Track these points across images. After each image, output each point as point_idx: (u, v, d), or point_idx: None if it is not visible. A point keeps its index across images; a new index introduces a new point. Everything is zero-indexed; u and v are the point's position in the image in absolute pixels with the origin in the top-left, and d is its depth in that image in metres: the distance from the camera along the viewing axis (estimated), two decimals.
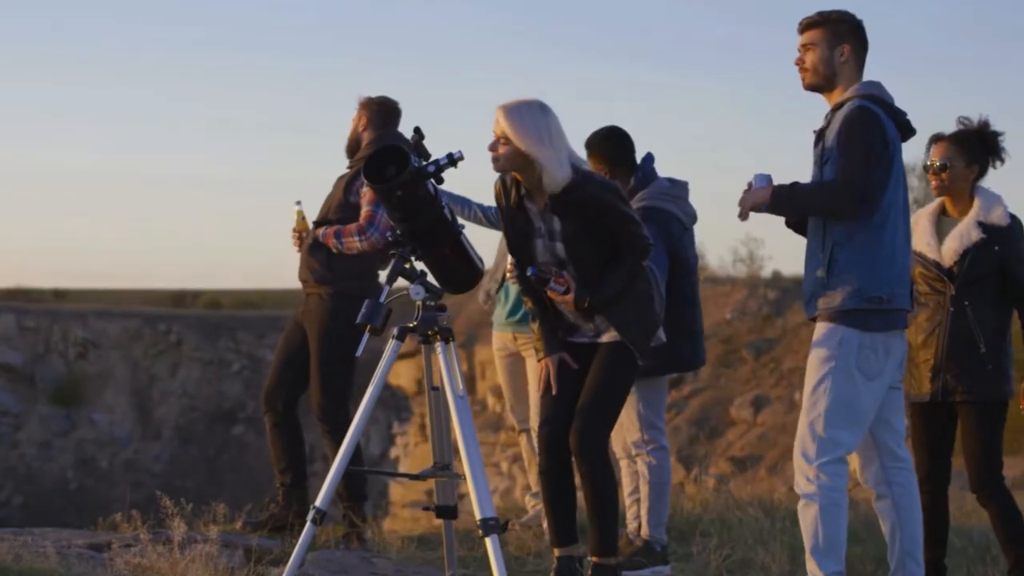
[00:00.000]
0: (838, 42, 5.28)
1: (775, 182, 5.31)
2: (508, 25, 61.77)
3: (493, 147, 5.42)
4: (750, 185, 5.33)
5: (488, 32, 61.28)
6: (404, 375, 27.69)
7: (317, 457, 22.05)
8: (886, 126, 5.18)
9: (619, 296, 5.49)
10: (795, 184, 5.24)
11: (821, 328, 5.22)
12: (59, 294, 37.84)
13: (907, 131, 5.32)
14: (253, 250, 66.02)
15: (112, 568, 5.32)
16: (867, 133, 5.13)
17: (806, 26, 5.35)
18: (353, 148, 7.21)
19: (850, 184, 5.10)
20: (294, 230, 7.18)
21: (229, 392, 32.33)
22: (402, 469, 25.32)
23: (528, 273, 5.55)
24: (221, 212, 63.14)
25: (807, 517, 5.20)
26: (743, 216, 5.33)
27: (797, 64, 5.37)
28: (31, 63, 57.53)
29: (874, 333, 5.17)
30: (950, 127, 6.18)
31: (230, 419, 32.10)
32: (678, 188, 6.65)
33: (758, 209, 5.29)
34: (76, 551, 5.52)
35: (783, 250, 51.19)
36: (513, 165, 5.45)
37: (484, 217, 7.08)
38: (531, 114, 5.41)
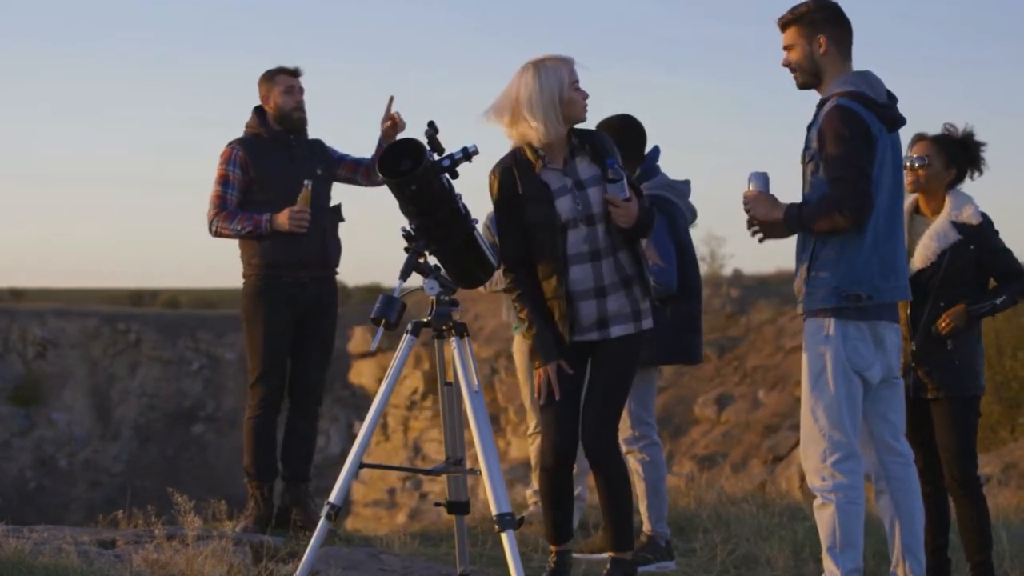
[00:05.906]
0: (814, 35, 5.19)
1: (771, 180, 5.30)
2: (509, 24, 61.47)
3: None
4: (749, 184, 5.29)
5: (488, 31, 61.00)
6: (366, 374, 27.57)
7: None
8: (868, 122, 5.09)
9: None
10: (802, 207, 5.15)
11: (808, 325, 5.22)
12: (16, 293, 37.43)
13: (893, 123, 5.22)
14: (211, 248, 65.63)
15: (130, 564, 5.27)
16: (848, 136, 5.04)
17: (782, 26, 5.27)
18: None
19: (844, 204, 5.03)
20: (303, 209, 6.92)
21: (189, 391, 32.09)
22: None
23: (608, 165, 5.46)
24: (179, 210, 62.65)
25: (824, 516, 5.17)
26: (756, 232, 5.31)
27: (784, 66, 5.29)
28: None
29: (859, 322, 5.15)
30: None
31: (190, 418, 31.86)
32: (680, 185, 6.68)
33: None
34: (95, 549, 5.46)
35: (744, 249, 51.36)
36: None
37: None
38: (517, 80, 5.46)
